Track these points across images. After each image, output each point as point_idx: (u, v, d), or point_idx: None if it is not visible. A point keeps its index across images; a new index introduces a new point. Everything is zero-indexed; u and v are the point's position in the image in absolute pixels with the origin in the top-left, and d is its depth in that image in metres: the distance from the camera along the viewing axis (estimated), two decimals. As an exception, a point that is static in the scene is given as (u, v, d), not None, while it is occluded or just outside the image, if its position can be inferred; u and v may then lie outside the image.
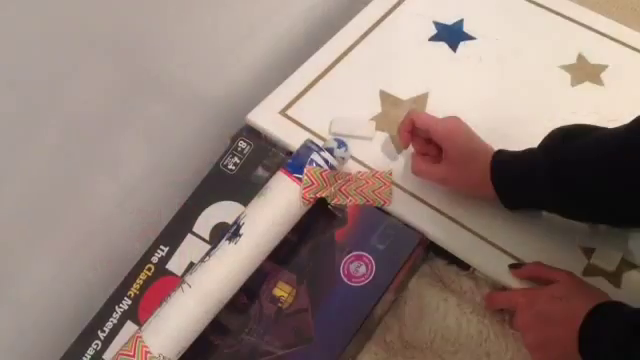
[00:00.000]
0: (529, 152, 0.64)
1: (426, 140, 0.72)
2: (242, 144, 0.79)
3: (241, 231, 0.67)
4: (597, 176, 0.58)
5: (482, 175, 0.66)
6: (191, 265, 0.72)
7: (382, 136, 0.78)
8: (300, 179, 0.69)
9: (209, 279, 0.66)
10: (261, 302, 0.69)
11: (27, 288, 0.70)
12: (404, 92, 0.81)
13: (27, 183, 0.63)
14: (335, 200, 0.71)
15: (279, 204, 0.68)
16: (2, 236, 0.64)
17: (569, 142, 0.61)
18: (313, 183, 0.69)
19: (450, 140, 0.68)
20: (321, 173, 0.70)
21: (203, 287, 0.66)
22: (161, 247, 0.75)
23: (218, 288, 0.66)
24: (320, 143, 0.72)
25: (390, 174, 0.74)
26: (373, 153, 0.76)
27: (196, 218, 0.76)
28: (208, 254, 0.67)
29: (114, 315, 0.72)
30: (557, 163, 0.60)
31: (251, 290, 0.69)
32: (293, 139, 0.76)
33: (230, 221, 0.71)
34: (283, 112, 0.81)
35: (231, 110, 0.83)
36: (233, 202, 0.76)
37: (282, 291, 0.69)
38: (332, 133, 0.78)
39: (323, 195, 0.70)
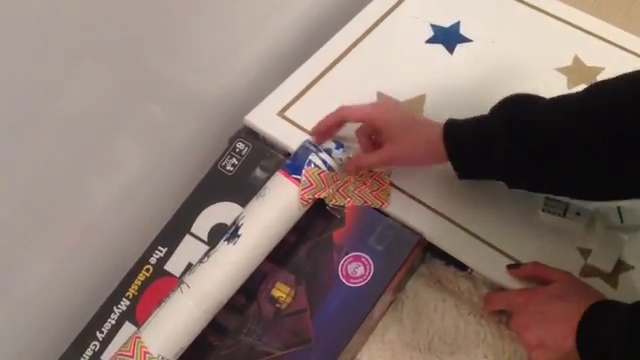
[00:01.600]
0: (481, 117, 0.64)
1: (368, 135, 0.73)
2: (240, 145, 0.80)
3: (240, 232, 0.67)
4: (553, 134, 0.58)
5: (426, 142, 0.66)
6: (189, 266, 0.72)
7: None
8: (298, 180, 0.69)
9: (208, 280, 0.66)
10: (259, 303, 0.70)
11: (24, 290, 0.70)
12: (401, 94, 0.82)
13: (24, 184, 0.63)
14: (333, 201, 0.72)
15: (277, 205, 0.69)
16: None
17: (522, 105, 0.61)
18: (311, 184, 0.70)
19: (384, 119, 0.68)
20: (319, 174, 0.70)
21: (202, 288, 0.66)
22: (159, 248, 0.75)
23: (217, 289, 0.66)
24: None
25: (388, 175, 0.74)
26: (371, 154, 0.76)
27: (194, 219, 0.76)
28: (207, 255, 0.68)
29: (112, 316, 0.72)
30: (512, 124, 0.60)
31: (249, 291, 0.69)
32: (291, 140, 0.76)
33: (228, 222, 0.71)
34: (281, 113, 0.81)
35: (229, 111, 0.83)
36: (231, 203, 0.76)
37: (280, 292, 0.69)
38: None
39: (321, 196, 0.71)
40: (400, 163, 0.71)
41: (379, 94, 0.82)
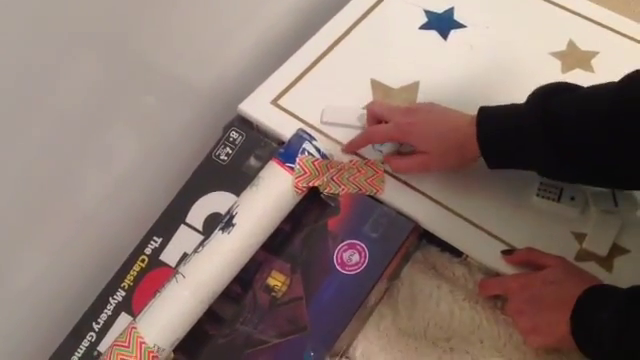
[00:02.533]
0: (515, 108, 0.63)
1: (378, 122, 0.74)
2: (234, 134, 0.79)
3: (234, 221, 0.67)
4: (586, 129, 0.58)
5: (459, 148, 0.66)
6: (185, 256, 0.72)
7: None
8: (292, 168, 0.69)
9: (203, 270, 0.66)
10: (255, 292, 0.70)
11: (19, 282, 0.69)
12: (395, 81, 0.81)
13: (17, 176, 0.63)
14: (328, 189, 0.72)
15: (272, 194, 0.68)
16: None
17: (556, 96, 0.61)
18: (305, 172, 0.69)
19: (415, 134, 0.69)
20: (313, 162, 0.70)
21: (197, 278, 0.66)
22: (154, 238, 0.75)
23: (212, 278, 0.66)
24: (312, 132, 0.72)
25: (382, 162, 0.74)
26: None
27: (189, 209, 0.76)
28: (201, 244, 0.68)
29: (108, 307, 0.72)
30: (547, 118, 0.59)
31: (245, 280, 0.69)
32: (285, 129, 0.76)
33: (223, 211, 0.71)
34: (275, 102, 0.81)
35: (222, 100, 0.83)
36: (226, 192, 0.76)
37: (276, 280, 0.69)
38: (323, 122, 0.78)
39: (316, 184, 0.70)
40: (432, 171, 0.72)
41: (373, 81, 0.82)
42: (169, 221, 0.76)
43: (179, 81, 0.80)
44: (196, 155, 0.80)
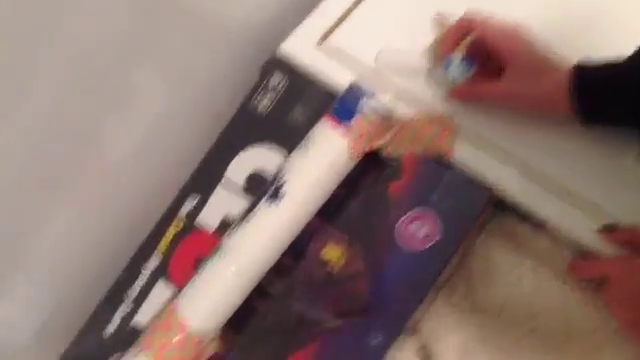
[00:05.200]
0: (616, 64, 0.55)
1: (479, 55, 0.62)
2: (275, 79, 0.69)
3: (282, 190, 0.58)
4: None
5: (554, 87, 0.57)
6: (225, 221, 0.64)
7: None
8: (348, 128, 0.59)
9: (250, 246, 0.58)
10: (308, 265, 0.61)
11: (40, 249, 0.62)
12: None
13: (35, 129, 0.55)
14: (389, 149, 0.62)
15: (324, 159, 0.59)
16: (12, 193, 0.56)
17: None
18: (363, 133, 0.60)
19: (512, 51, 0.59)
20: (372, 121, 0.60)
21: (244, 255, 0.58)
22: (189, 198, 0.67)
23: (260, 256, 0.59)
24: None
25: (452, 118, 0.64)
26: (429, 91, 0.65)
27: (226, 166, 0.67)
28: (246, 216, 0.59)
29: (143, 272, 0.65)
30: None
31: (296, 250, 0.61)
32: (335, 74, 0.66)
33: (266, 170, 0.62)
34: (321, 42, 0.69)
35: (258, 40, 0.72)
36: (267, 147, 0.66)
37: (332, 253, 0.61)
38: (378, 67, 0.67)
39: (374, 147, 0.61)
40: (516, 103, 0.61)
41: (437, 17, 0.70)
42: (205, 179, 0.68)
43: (209, 16, 0.68)
44: (230, 101, 0.70)
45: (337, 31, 0.70)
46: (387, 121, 0.62)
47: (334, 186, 0.60)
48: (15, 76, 0.50)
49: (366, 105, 0.60)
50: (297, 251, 0.61)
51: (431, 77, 0.65)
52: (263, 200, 0.59)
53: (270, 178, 0.61)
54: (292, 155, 0.61)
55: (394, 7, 0.71)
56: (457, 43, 0.62)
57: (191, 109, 0.70)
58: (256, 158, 0.67)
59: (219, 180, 0.66)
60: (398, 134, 0.63)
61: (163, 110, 0.67)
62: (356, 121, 0.59)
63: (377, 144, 0.61)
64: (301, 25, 0.70)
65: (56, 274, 0.66)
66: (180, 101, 0.69)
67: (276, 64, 0.69)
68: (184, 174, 0.68)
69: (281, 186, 0.58)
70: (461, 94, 0.63)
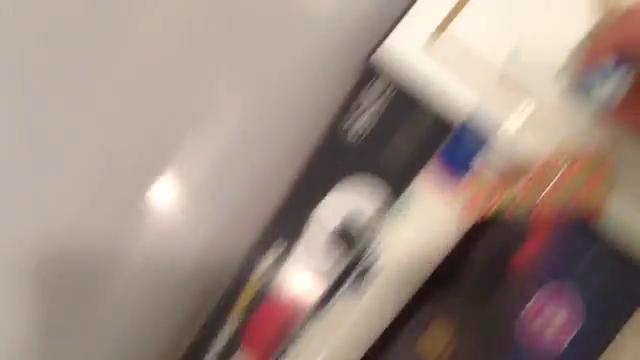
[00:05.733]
0: None
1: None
2: (371, 95, 0.54)
3: (369, 274, 0.45)
4: None
5: None
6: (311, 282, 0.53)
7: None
8: (460, 187, 0.44)
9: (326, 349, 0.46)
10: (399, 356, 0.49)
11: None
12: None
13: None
14: (512, 208, 0.46)
15: (426, 234, 0.45)
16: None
17: None
18: (480, 195, 0.44)
19: None
20: (492, 178, 0.44)
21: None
22: (272, 249, 0.56)
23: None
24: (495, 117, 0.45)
25: (611, 153, 0.45)
26: (576, 114, 0.47)
27: (312, 209, 0.55)
28: (324, 304, 0.47)
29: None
30: None
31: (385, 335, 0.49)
32: (448, 88, 0.49)
33: (359, 216, 0.50)
34: (433, 40, 0.52)
35: (353, 40, 0.56)
36: (362, 185, 0.53)
37: (432, 342, 0.48)
38: (505, 75, 0.49)
39: (495, 209, 0.45)
40: None
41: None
42: (286, 226, 0.55)
43: (292, 9, 0.54)
44: (318, 124, 0.56)
45: (455, 24, 0.52)
46: (515, 169, 0.45)
47: (435, 265, 0.46)
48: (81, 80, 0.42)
49: (486, 156, 0.44)
50: (385, 338, 0.48)
51: (578, 91, 0.46)
52: (350, 281, 0.47)
53: (353, 251, 0.48)
54: (384, 220, 0.47)
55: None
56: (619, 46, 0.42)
57: (266, 133, 0.57)
58: (348, 200, 0.54)
59: (302, 227, 0.54)
60: (528, 184, 0.46)
61: (237, 132, 0.56)
62: (471, 179, 0.44)
63: (500, 201, 0.45)
64: (405, 19, 0.53)
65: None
66: (255, 124, 0.56)
67: (373, 73, 0.54)
68: (261, 220, 0.56)
69: (368, 268, 0.45)
70: (626, 117, 0.44)
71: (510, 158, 0.44)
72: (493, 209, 0.45)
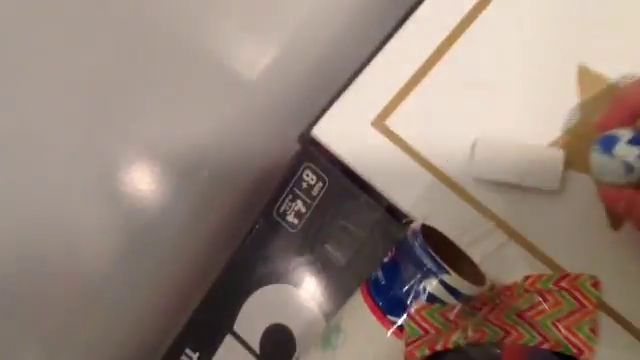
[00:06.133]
0: None
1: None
2: (309, 177, 0.44)
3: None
4: None
5: None
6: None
7: (580, 182, 0.38)
8: (397, 326, 0.34)
9: None
10: None
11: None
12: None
13: None
14: (476, 336, 0.36)
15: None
16: None
17: None
18: (426, 331, 0.34)
19: None
20: (442, 313, 0.34)
21: None
22: (187, 354, 0.47)
23: None
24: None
25: (595, 283, 0.36)
26: (563, 223, 0.38)
27: (237, 311, 0.45)
28: None
29: None
30: None
31: None
32: (397, 187, 0.40)
33: (291, 323, 0.41)
34: (380, 122, 0.42)
35: (290, 113, 0.46)
36: (294, 287, 0.44)
37: None
38: (474, 176, 0.39)
39: (448, 346, 0.35)
40: None
41: (581, 70, 0.39)
42: (208, 328, 0.46)
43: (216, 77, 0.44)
44: (249, 208, 0.47)
45: (404, 105, 0.42)
46: (471, 305, 0.36)
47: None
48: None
49: (431, 287, 0.34)
50: None
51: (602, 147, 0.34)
52: None
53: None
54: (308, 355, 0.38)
55: (491, 53, 0.40)
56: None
57: (190, 212, 0.47)
58: (274, 304, 0.44)
59: (228, 330, 0.45)
60: (495, 311, 0.37)
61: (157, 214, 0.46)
62: (415, 313, 0.34)
63: (454, 339, 0.35)
64: (344, 96, 0.43)
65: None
66: (175, 204, 0.46)
67: (308, 152, 0.44)
68: (173, 320, 0.47)
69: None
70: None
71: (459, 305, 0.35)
72: (450, 345, 0.35)
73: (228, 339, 0.46)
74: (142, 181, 0.43)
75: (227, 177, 0.47)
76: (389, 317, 0.35)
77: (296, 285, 0.44)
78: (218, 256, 0.47)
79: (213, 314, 0.47)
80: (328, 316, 0.43)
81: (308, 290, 0.44)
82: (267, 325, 0.45)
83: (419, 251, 0.34)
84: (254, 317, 0.45)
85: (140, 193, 0.43)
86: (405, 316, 0.34)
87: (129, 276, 0.46)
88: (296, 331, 0.44)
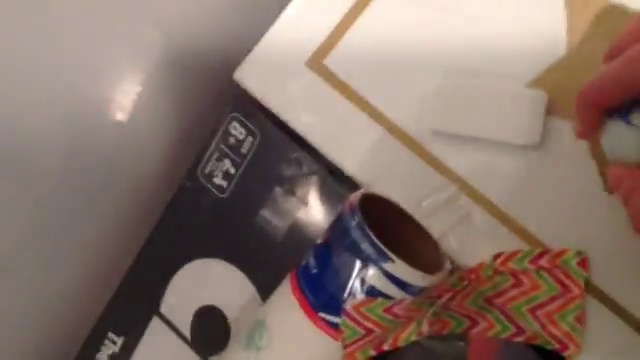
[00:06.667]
0: None
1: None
2: (236, 131, 0.36)
3: None
4: None
5: None
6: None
7: (565, 133, 0.30)
8: (334, 325, 0.27)
9: None
10: None
11: None
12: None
13: None
14: (436, 327, 0.29)
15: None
16: None
17: None
18: (370, 330, 0.27)
19: None
20: (387, 309, 0.27)
21: None
22: (110, 338, 0.40)
23: None
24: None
25: (582, 261, 0.29)
26: (543, 186, 0.30)
27: (162, 290, 0.39)
28: None
29: None
30: None
31: None
32: (333, 136, 0.32)
33: (225, 304, 0.35)
34: (317, 61, 0.34)
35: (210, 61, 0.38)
36: (226, 262, 0.37)
37: None
38: (433, 128, 0.31)
39: (398, 345, 0.28)
40: None
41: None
42: (132, 310, 0.40)
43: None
44: (168, 171, 0.39)
45: (344, 41, 0.33)
46: (425, 295, 0.28)
47: None
48: None
49: (373, 280, 0.27)
50: None
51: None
52: None
53: None
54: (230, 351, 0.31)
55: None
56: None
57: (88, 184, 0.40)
58: (206, 281, 0.37)
59: (154, 312, 0.39)
60: (459, 297, 0.29)
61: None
62: (351, 312, 0.27)
63: (406, 334, 0.28)
64: (269, 32, 0.34)
65: None
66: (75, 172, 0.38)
67: (236, 103, 0.36)
68: (94, 301, 0.40)
69: None
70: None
71: (408, 298, 0.27)
72: (400, 343, 0.28)
73: (155, 322, 0.40)
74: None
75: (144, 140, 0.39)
76: (321, 314, 0.27)
77: (228, 259, 0.37)
78: (142, 228, 0.40)
79: (136, 294, 0.40)
80: (266, 297, 0.36)
81: (242, 265, 0.37)
82: (197, 307, 0.38)
83: (356, 233, 0.26)
84: (182, 297, 0.39)
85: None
86: (341, 314, 0.27)
87: (41, 252, 0.39)
88: (230, 314, 0.37)
